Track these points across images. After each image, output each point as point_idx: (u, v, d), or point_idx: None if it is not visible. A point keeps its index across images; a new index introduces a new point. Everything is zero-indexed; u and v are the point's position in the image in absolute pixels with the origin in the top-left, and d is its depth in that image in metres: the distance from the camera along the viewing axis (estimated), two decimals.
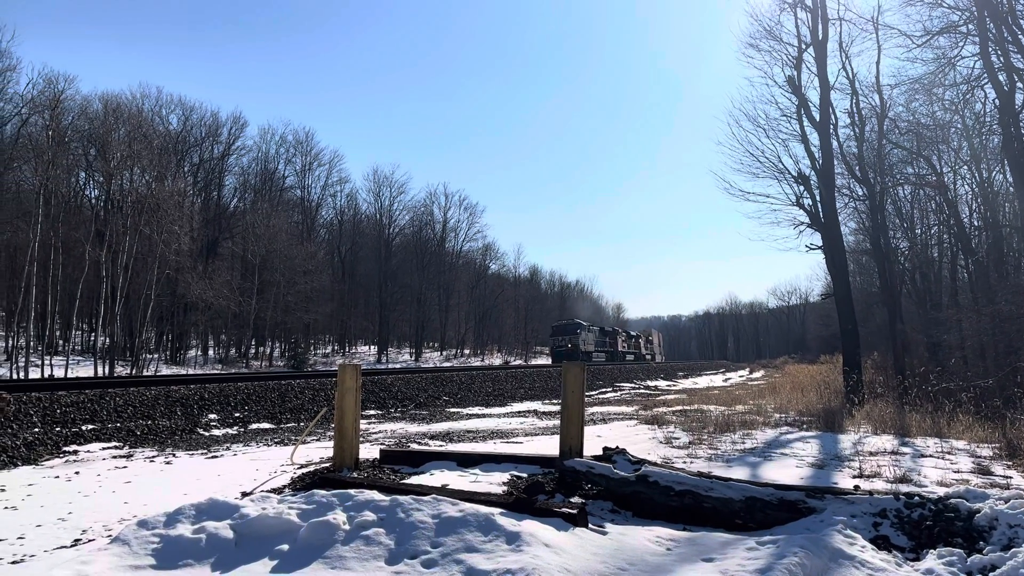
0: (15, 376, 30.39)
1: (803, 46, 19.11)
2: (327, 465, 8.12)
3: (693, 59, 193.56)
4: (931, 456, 8.99)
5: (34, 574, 4.39)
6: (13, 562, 4.85)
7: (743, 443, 10.31)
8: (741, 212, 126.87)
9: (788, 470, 8.01)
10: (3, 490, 7.52)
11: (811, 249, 19.43)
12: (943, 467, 8.20)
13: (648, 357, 76.81)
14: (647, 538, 5.25)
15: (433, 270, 71.02)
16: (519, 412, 18.78)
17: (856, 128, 22.19)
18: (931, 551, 4.94)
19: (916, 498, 5.51)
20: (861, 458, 8.58)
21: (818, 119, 18.57)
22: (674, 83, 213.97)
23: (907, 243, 28.21)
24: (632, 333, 78.45)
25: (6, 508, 6.61)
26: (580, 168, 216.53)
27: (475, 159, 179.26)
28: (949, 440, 10.21)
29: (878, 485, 7.06)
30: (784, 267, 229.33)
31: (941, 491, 6.19)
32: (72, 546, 5.25)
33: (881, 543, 5.12)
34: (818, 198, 18.67)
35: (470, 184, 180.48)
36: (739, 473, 7.55)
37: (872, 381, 18.85)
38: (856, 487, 6.40)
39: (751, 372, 62.41)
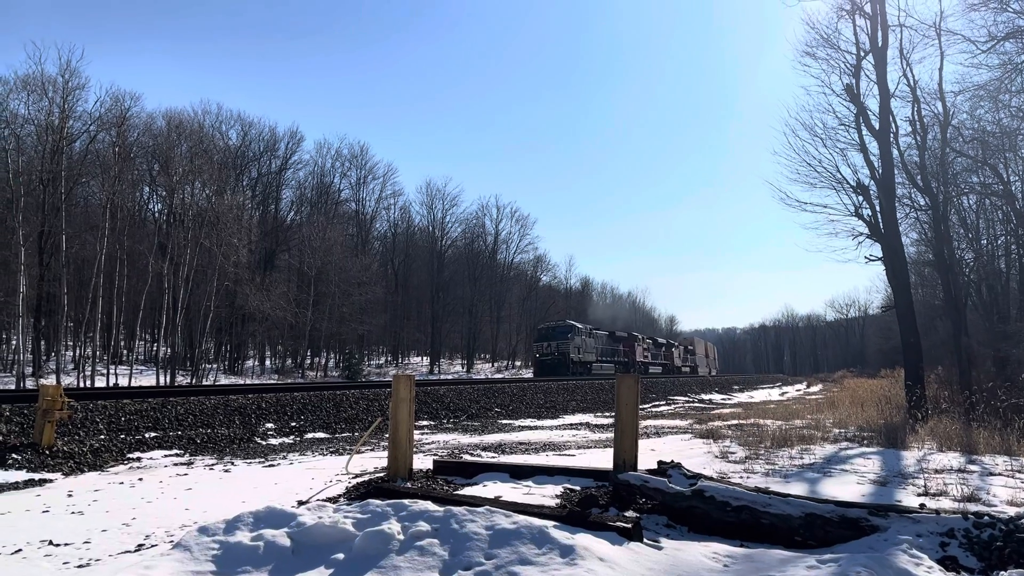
0: (82, 384, 31.41)
1: (862, 53, 18.72)
2: (381, 475, 8.19)
3: (748, 68, 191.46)
4: (1000, 474, 8.67)
5: None
6: (79, 566, 4.98)
7: (801, 458, 10.08)
8: (798, 223, 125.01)
9: (849, 487, 7.80)
10: (70, 495, 7.75)
11: (871, 260, 18.97)
12: (1013, 486, 7.90)
13: (687, 369, 69.17)
14: (703, 554, 5.16)
15: (485, 282, 71.33)
16: (571, 424, 18.68)
17: (918, 136, 21.62)
18: (1002, 573, 4.75)
19: (986, 518, 5.30)
20: (926, 475, 8.31)
21: (878, 127, 18.15)
22: (729, 93, 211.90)
23: (972, 254, 27.30)
24: (660, 340, 68.21)
25: (73, 513, 6.80)
26: (633, 179, 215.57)
27: (528, 171, 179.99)
28: (1019, 458, 9.83)
29: (944, 504, 6.83)
30: (842, 279, 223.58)
31: (1012, 511, 5.96)
32: (136, 551, 5.38)
33: (949, 564, 4.94)
34: (878, 208, 18.22)
35: (522, 196, 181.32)
36: (797, 489, 7.38)
37: (936, 396, 18.27)
38: (922, 505, 6.20)
39: (808, 386, 61.03)
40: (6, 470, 9.42)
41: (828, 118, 19.88)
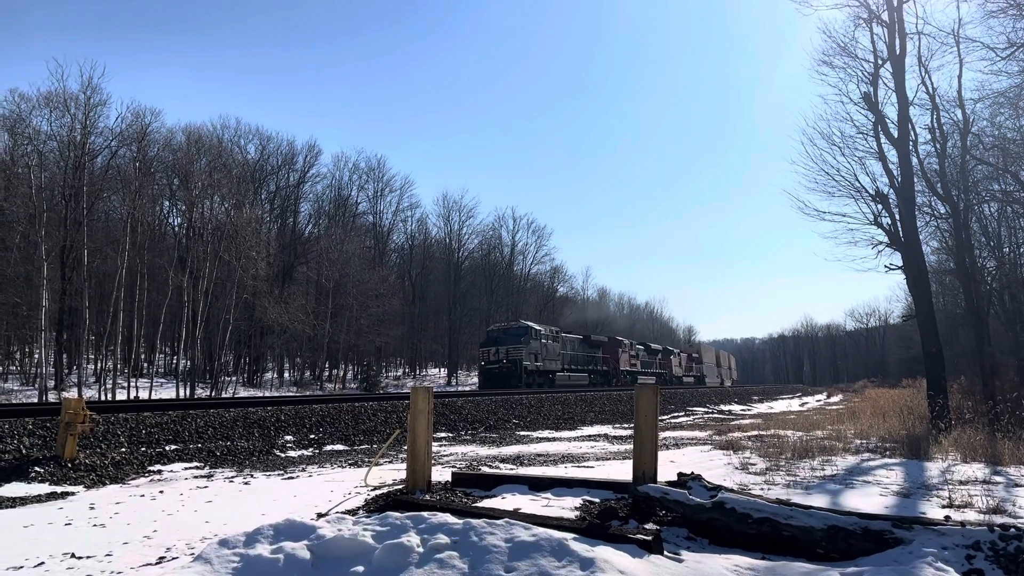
0: (103, 397, 31.67)
1: (879, 62, 18.63)
2: (400, 487, 8.18)
3: (765, 77, 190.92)
4: None
5: None
6: None
7: (822, 470, 9.98)
8: (816, 232, 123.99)
9: (871, 498, 7.71)
10: (92, 508, 7.80)
11: (891, 269, 18.82)
12: None
13: (690, 379, 63.35)
14: (724, 566, 5.11)
15: (501, 293, 71.41)
16: (589, 436, 18.61)
17: (937, 144, 21.44)
18: None
19: (1012, 530, 5.22)
20: (950, 487, 8.20)
21: (896, 135, 18.03)
22: (745, 103, 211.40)
23: (994, 262, 27.01)
24: (654, 346, 61.28)
25: (95, 525, 6.85)
26: (650, 189, 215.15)
27: (544, 182, 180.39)
28: None
29: (969, 516, 6.73)
30: (862, 288, 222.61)
31: None
32: (157, 564, 5.41)
33: None
34: (897, 217, 18.08)
35: (539, 207, 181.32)
36: (819, 501, 7.31)
37: (959, 406, 18.05)
38: (947, 517, 6.11)
39: (828, 396, 60.51)
40: (29, 483, 9.51)
41: (846, 126, 19.81)
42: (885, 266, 18.86)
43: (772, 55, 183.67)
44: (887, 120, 18.49)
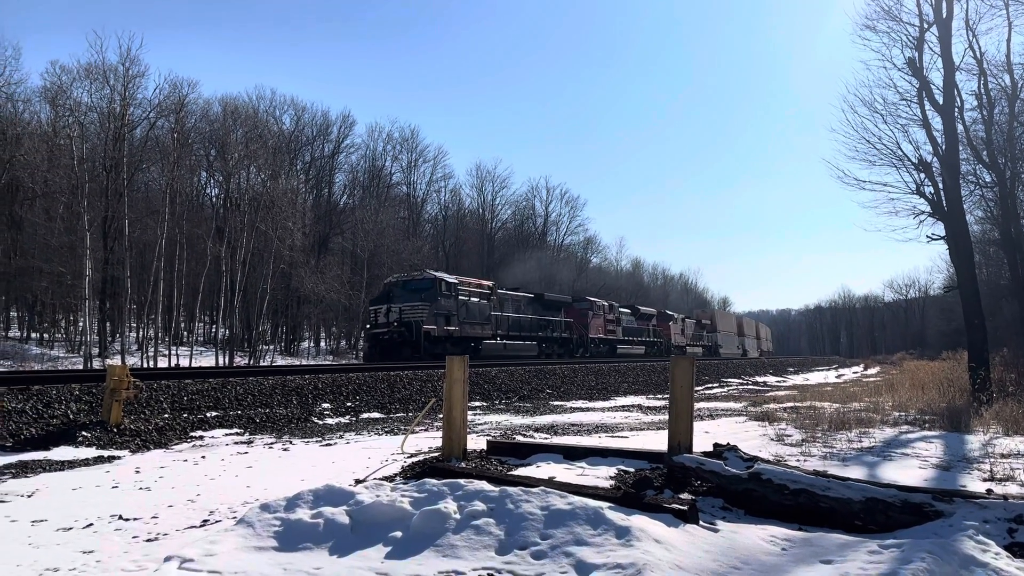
0: (145, 365, 32.36)
1: (925, 25, 18.06)
2: (436, 455, 8.28)
3: (802, 44, 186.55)
4: None
5: (167, 551, 4.65)
6: (148, 540, 5.16)
7: (860, 442, 9.89)
8: (856, 202, 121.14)
9: (910, 471, 7.63)
10: (138, 472, 8.01)
11: (932, 240, 18.39)
12: None
13: (698, 349, 56.04)
14: (760, 537, 5.11)
15: (534, 264, 71.33)
16: (623, 406, 18.63)
17: (984, 111, 20.85)
18: None
19: None
20: (991, 460, 8.08)
21: (941, 102, 17.53)
22: (782, 70, 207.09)
23: None
24: (645, 310, 51.56)
25: (140, 488, 7.04)
26: (685, 159, 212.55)
27: (578, 151, 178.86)
28: None
29: (1012, 489, 6.64)
30: (902, 259, 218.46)
31: None
32: (201, 526, 5.55)
33: (1017, 551, 4.80)
34: (941, 186, 17.64)
35: (572, 177, 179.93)
36: (856, 473, 7.25)
37: (1001, 379, 17.71)
38: (988, 491, 6.04)
39: (866, 368, 59.76)
40: (77, 447, 9.79)
41: (889, 93, 19.24)
42: (927, 236, 18.43)
43: (810, 21, 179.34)
44: (932, 86, 17.98)
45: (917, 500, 5.44)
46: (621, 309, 46.01)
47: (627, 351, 43.24)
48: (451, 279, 29.18)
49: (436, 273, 29.25)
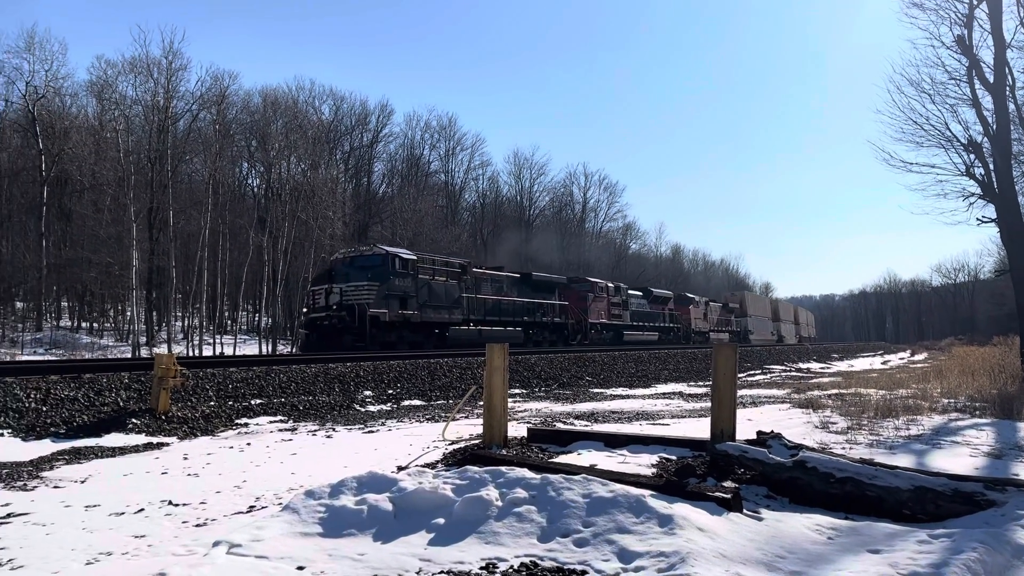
0: (190, 353, 33.03)
1: (975, 2, 17.53)
2: (477, 442, 8.32)
3: (843, 24, 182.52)
4: None
5: (216, 536, 4.74)
6: (197, 525, 5.26)
7: (907, 429, 9.69)
8: (902, 184, 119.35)
9: (960, 459, 7.47)
10: (186, 458, 8.18)
11: (983, 222, 17.91)
12: None
13: (724, 336, 51.46)
14: (806, 526, 5.04)
15: (573, 251, 71.15)
16: (664, 394, 18.52)
17: None
18: None
19: None
20: None
21: (992, 81, 17.03)
22: (822, 50, 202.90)
23: None
24: (659, 292, 47.08)
25: (189, 475, 7.18)
26: (723, 144, 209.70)
27: (616, 137, 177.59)
28: None
29: None
30: (950, 242, 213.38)
31: None
32: (248, 512, 5.64)
33: None
34: (991, 167, 17.16)
35: (610, 163, 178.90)
36: (904, 461, 7.11)
37: None
38: None
39: (912, 354, 58.53)
40: (127, 434, 10.02)
41: (936, 72, 18.72)
42: (977, 219, 17.96)
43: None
44: (982, 64, 17.47)
45: (968, 489, 5.32)
46: (631, 291, 42.13)
47: (636, 338, 39.29)
48: (408, 255, 25.12)
49: (390, 248, 25.71)
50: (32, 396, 10.51)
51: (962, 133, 18.22)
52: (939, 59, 18.60)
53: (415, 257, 25.22)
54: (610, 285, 38.87)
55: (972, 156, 17.56)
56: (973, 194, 17.68)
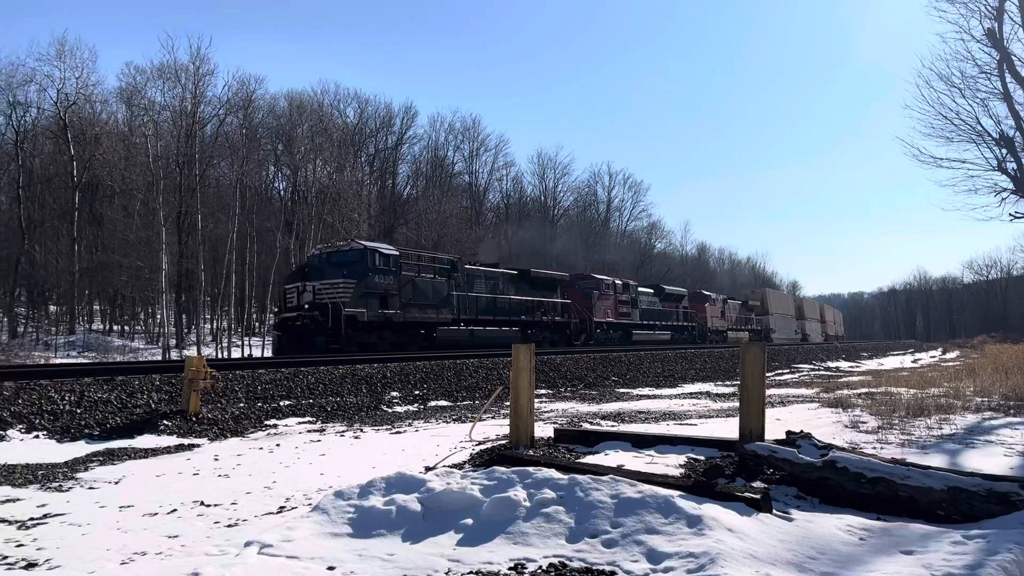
0: (219, 355, 33.39)
1: None
2: (503, 442, 8.33)
3: (872, 18, 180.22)
4: None
5: (247, 536, 4.80)
6: (229, 525, 5.33)
7: (939, 429, 9.56)
8: (932, 180, 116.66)
9: (994, 459, 7.35)
10: (216, 459, 8.28)
11: (1016, 218, 17.68)
12: None
13: (743, 334, 49.67)
14: (836, 526, 5.00)
15: (598, 250, 70.97)
16: (691, 394, 18.42)
17: None
18: None
19: None
20: None
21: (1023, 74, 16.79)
22: (851, 45, 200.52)
23: None
24: (672, 290, 44.35)
25: (219, 476, 7.27)
26: (749, 141, 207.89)
27: (640, 135, 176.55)
28: None
29: None
30: (982, 238, 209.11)
31: None
32: (278, 512, 5.70)
33: None
34: None
35: (635, 162, 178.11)
36: (936, 461, 7.01)
37: None
38: None
39: (944, 352, 57.66)
40: (159, 435, 10.16)
41: (967, 66, 18.47)
42: (1010, 214, 17.72)
43: None
44: (1013, 57, 17.20)
45: (1003, 489, 5.24)
46: (642, 289, 40.14)
47: (646, 337, 37.10)
48: (389, 250, 23.46)
49: (369, 243, 24.22)
50: (66, 399, 10.70)
51: (993, 127, 17.97)
52: (969, 53, 18.34)
53: (397, 252, 23.76)
54: (617, 282, 37.04)
55: (1004, 151, 17.32)
56: (1005, 189, 17.44)
